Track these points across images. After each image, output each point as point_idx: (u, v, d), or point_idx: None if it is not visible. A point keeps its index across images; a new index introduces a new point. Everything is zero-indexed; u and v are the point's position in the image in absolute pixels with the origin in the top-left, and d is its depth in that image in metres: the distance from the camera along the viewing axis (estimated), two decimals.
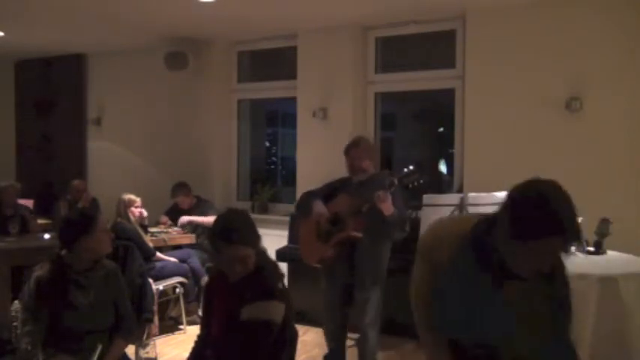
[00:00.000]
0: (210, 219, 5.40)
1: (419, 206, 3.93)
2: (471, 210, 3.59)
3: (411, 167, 3.27)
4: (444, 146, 5.76)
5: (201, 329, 2.44)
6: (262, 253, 2.29)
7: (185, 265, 5.02)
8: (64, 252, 2.59)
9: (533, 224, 1.49)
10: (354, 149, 3.52)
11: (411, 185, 3.28)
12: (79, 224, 2.63)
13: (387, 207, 3.20)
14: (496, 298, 1.66)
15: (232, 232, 2.17)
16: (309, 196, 3.56)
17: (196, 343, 2.42)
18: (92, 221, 2.60)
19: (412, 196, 5.19)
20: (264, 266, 2.25)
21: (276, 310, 2.15)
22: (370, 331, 3.48)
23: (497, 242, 1.58)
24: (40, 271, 2.56)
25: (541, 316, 1.66)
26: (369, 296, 3.46)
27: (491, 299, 1.66)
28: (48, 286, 2.51)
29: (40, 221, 5.63)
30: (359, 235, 3.33)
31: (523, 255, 1.53)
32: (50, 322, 2.49)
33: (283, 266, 3.81)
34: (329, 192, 3.57)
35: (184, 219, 5.44)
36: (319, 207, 3.42)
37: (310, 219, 3.46)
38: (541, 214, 1.48)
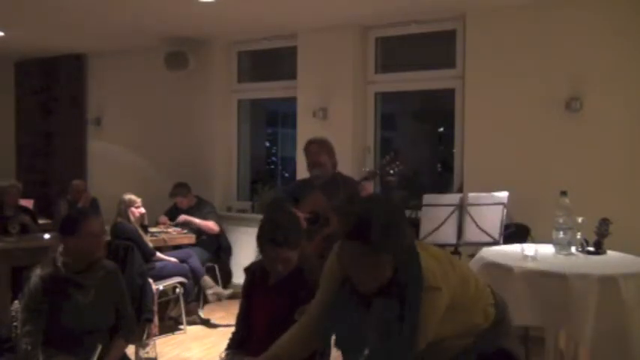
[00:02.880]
0: (208, 223, 5.41)
1: (419, 206, 3.93)
2: (471, 210, 3.60)
3: (389, 156, 3.34)
4: (444, 146, 5.76)
5: (238, 330, 2.44)
6: (303, 254, 2.34)
7: (185, 265, 5.02)
8: (60, 250, 2.59)
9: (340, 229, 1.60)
10: (313, 145, 3.62)
11: (392, 172, 3.36)
12: (65, 224, 2.62)
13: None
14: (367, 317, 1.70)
15: (280, 235, 2.22)
16: (279, 201, 3.63)
17: (231, 343, 2.42)
18: (77, 223, 2.56)
19: (412, 196, 5.21)
20: (303, 266, 2.30)
21: None
22: None
23: None
24: (39, 270, 2.56)
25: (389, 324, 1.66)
26: None
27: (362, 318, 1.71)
28: (47, 286, 2.51)
29: (40, 221, 5.63)
30: None
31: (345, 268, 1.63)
32: (50, 321, 2.48)
33: None
34: (293, 195, 3.63)
35: (183, 218, 5.45)
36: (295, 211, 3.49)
37: None
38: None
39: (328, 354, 2.12)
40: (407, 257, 1.66)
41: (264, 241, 2.26)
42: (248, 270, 2.51)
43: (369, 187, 3.29)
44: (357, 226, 1.58)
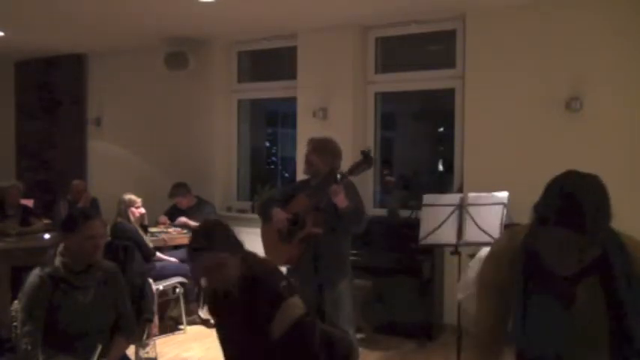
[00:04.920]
0: None
1: (419, 206, 3.93)
2: (471, 210, 3.59)
3: (359, 159, 3.35)
4: (444, 146, 5.76)
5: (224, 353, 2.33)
6: (250, 260, 2.19)
7: (185, 265, 5.01)
8: (60, 250, 2.59)
9: (552, 210, 1.45)
10: (307, 146, 3.62)
11: (358, 174, 3.39)
12: (66, 221, 2.63)
13: (341, 200, 3.26)
14: (556, 306, 1.58)
15: (200, 241, 2.11)
16: (269, 202, 3.63)
17: None
18: (78, 223, 2.56)
19: (412, 196, 5.21)
20: (256, 275, 2.14)
21: (295, 306, 2.08)
22: (349, 328, 3.47)
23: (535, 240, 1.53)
24: (38, 270, 2.55)
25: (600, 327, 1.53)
26: (340, 292, 3.48)
27: (552, 309, 1.59)
28: (46, 286, 2.50)
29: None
30: (318, 230, 3.37)
31: (547, 244, 1.47)
32: (49, 321, 2.48)
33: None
34: (289, 194, 3.63)
35: (181, 220, 5.45)
36: (277, 213, 3.49)
37: (271, 224, 3.53)
38: (563, 204, 1.45)
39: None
40: (610, 233, 1.59)
41: (188, 252, 2.15)
42: (205, 294, 2.37)
43: (339, 191, 3.26)
44: (569, 213, 1.44)
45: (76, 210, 2.73)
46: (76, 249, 2.55)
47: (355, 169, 3.36)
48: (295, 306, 2.09)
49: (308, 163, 3.57)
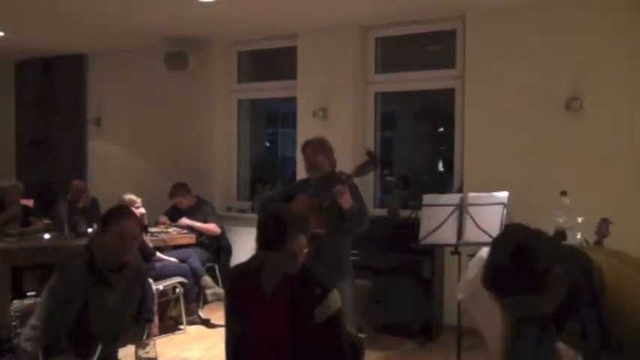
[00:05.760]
0: (209, 226, 5.41)
1: (419, 206, 3.93)
2: (471, 210, 3.59)
3: (365, 160, 3.33)
4: (444, 146, 5.76)
5: (237, 343, 2.27)
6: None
7: (185, 265, 5.02)
8: (93, 246, 2.54)
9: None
10: (309, 146, 3.57)
11: (366, 174, 3.38)
12: (104, 217, 2.56)
13: (346, 200, 3.25)
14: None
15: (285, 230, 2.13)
16: (269, 202, 3.60)
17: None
18: (107, 221, 2.51)
19: (412, 196, 5.21)
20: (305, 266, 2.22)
21: (335, 300, 2.22)
22: (350, 328, 3.47)
23: None
24: (76, 262, 2.49)
25: None
26: (341, 292, 3.47)
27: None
28: (84, 277, 2.44)
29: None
30: (321, 231, 3.36)
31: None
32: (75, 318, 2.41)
33: None
34: (289, 194, 3.60)
35: (184, 222, 5.44)
36: None
37: None
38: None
39: None
40: (574, 265, 1.53)
41: (269, 241, 2.13)
42: (233, 275, 2.34)
43: (344, 191, 3.25)
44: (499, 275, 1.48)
45: (114, 207, 2.64)
46: (105, 245, 2.49)
47: (361, 169, 3.35)
48: (335, 299, 2.21)
49: (314, 165, 3.51)
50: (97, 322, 2.47)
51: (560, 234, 3.23)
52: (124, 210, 2.69)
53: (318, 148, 3.55)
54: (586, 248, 1.60)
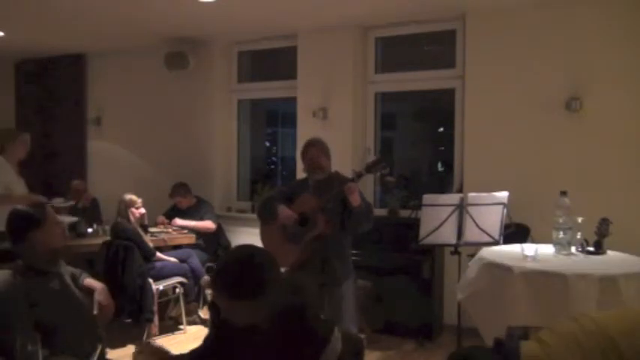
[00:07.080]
0: (204, 224, 5.42)
1: (419, 206, 3.93)
2: (471, 210, 3.59)
3: (376, 157, 3.35)
4: (444, 146, 5.76)
5: None
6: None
7: (185, 265, 5.02)
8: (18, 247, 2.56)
9: None
10: (313, 148, 3.57)
11: (378, 173, 3.38)
12: (30, 217, 2.57)
13: (356, 198, 3.27)
14: None
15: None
16: (271, 200, 3.58)
17: None
18: (42, 213, 2.55)
19: (412, 196, 5.21)
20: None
21: (337, 342, 1.76)
22: (352, 328, 3.47)
23: None
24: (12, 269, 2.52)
25: None
26: (344, 292, 3.48)
27: None
28: (20, 282, 2.47)
29: None
30: (329, 230, 3.38)
31: None
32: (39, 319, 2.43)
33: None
34: (289, 194, 3.60)
35: (177, 223, 5.45)
36: (285, 210, 3.46)
37: (274, 223, 3.49)
38: None
39: None
40: None
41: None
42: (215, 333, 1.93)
43: (355, 189, 3.28)
44: None
45: (22, 213, 2.65)
46: (44, 239, 2.53)
47: (373, 166, 3.38)
48: (337, 342, 1.76)
49: (319, 166, 3.51)
50: (58, 310, 2.48)
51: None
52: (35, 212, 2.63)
53: (322, 149, 3.56)
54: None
